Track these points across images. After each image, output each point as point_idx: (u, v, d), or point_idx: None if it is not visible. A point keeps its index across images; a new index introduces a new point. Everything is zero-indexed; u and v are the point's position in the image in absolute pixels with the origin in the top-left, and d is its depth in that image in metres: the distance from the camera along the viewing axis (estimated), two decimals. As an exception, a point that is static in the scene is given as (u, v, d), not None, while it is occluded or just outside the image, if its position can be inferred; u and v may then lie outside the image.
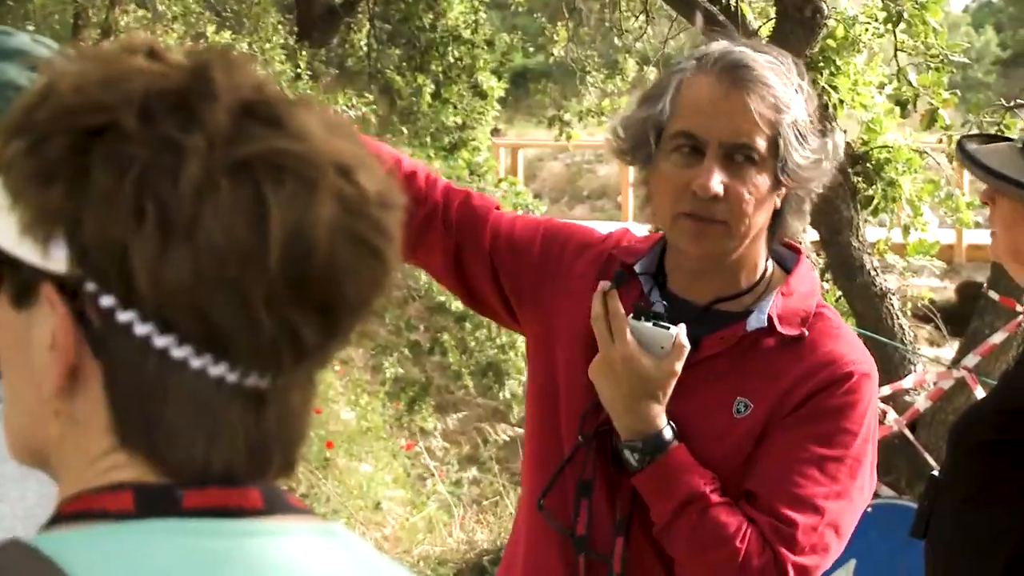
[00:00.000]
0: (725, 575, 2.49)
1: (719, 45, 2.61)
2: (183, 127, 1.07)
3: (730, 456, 2.55)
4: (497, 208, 2.86)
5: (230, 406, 1.11)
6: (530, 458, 2.76)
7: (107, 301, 1.08)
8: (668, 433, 2.50)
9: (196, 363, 1.09)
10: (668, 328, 2.51)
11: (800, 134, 2.55)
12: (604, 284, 2.53)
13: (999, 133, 7.30)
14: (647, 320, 2.53)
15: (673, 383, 2.50)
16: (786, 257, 2.71)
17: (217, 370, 1.09)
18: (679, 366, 2.50)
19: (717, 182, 2.49)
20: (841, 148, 2.69)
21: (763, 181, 2.54)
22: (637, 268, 2.68)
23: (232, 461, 1.13)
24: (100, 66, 1.11)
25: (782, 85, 2.55)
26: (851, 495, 2.57)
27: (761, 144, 2.52)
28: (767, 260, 2.66)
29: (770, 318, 2.58)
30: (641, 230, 3.42)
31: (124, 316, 1.08)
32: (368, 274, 1.12)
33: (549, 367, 2.71)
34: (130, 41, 1.15)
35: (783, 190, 2.59)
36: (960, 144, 3.31)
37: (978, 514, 3.32)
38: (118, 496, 1.10)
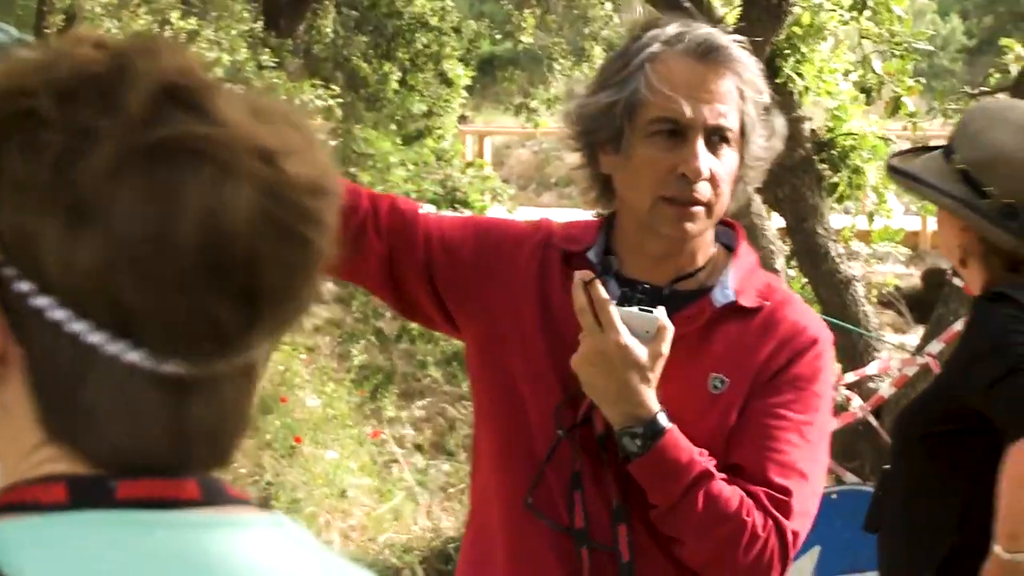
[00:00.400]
0: (732, 550, 2.50)
1: (685, 26, 2.62)
2: (99, 112, 1.06)
3: (714, 432, 2.57)
4: (424, 214, 2.82)
5: (149, 394, 1.10)
6: (496, 457, 2.73)
7: (23, 287, 1.07)
8: (663, 416, 2.50)
9: (111, 349, 1.07)
10: (652, 312, 2.52)
11: (760, 115, 2.60)
12: (584, 274, 2.51)
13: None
14: (630, 306, 2.53)
15: (661, 365, 2.51)
16: (721, 231, 2.73)
17: (133, 356, 1.08)
18: (666, 348, 2.50)
19: (706, 164, 2.52)
20: (785, 129, 2.71)
21: (735, 161, 2.58)
22: (590, 255, 2.67)
23: (152, 451, 1.11)
24: (39, 54, 1.11)
25: (753, 67, 2.60)
26: (822, 456, 2.64)
27: (736, 125, 2.56)
28: (712, 237, 2.70)
29: (734, 292, 2.61)
30: (563, 216, 3.40)
31: (39, 302, 1.07)
32: (292, 262, 1.10)
33: (502, 365, 2.69)
34: (80, 34, 1.14)
35: (741, 170, 2.62)
36: (889, 164, 3.55)
37: (920, 506, 3.36)
38: (50, 488, 1.09)
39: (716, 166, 2.54)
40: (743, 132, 2.58)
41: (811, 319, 2.69)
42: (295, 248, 1.10)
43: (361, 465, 10.06)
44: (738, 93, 2.56)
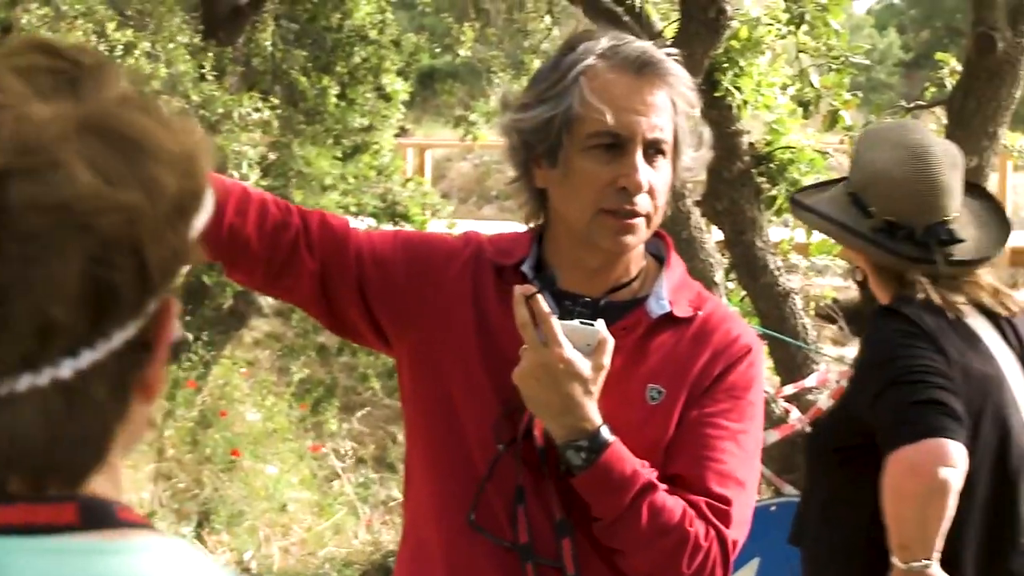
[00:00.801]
0: (676, 560, 2.51)
1: (618, 39, 2.63)
2: None
3: (653, 443, 2.58)
4: (355, 230, 2.80)
5: None
6: (431, 474, 2.72)
7: None
8: (606, 429, 2.51)
9: None
10: (592, 324, 2.52)
11: (691, 128, 2.63)
12: (525, 289, 2.51)
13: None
14: (571, 319, 2.53)
15: (603, 378, 2.51)
16: (650, 241, 2.74)
17: None
18: (607, 360, 2.51)
19: (645, 177, 2.54)
20: (711, 138, 2.73)
21: (669, 172, 2.61)
22: (524, 268, 2.68)
23: None
24: None
25: (686, 80, 2.62)
26: (756, 464, 2.68)
27: (670, 138, 2.59)
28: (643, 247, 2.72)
29: (670, 302, 2.63)
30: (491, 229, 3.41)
31: None
32: (24, 284, 1.10)
33: (437, 381, 2.68)
34: None
35: (673, 180, 2.64)
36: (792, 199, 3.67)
37: (835, 519, 3.42)
38: None
39: (654, 178, 2.56)
40: (675, 144, 2.60)
41: (743, 327, 2.72)
42: (26, 271, 1.09)
43: (301, 479, 10.04)
44: (672, 105, 2.59)
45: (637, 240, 2.59)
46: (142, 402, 1.20)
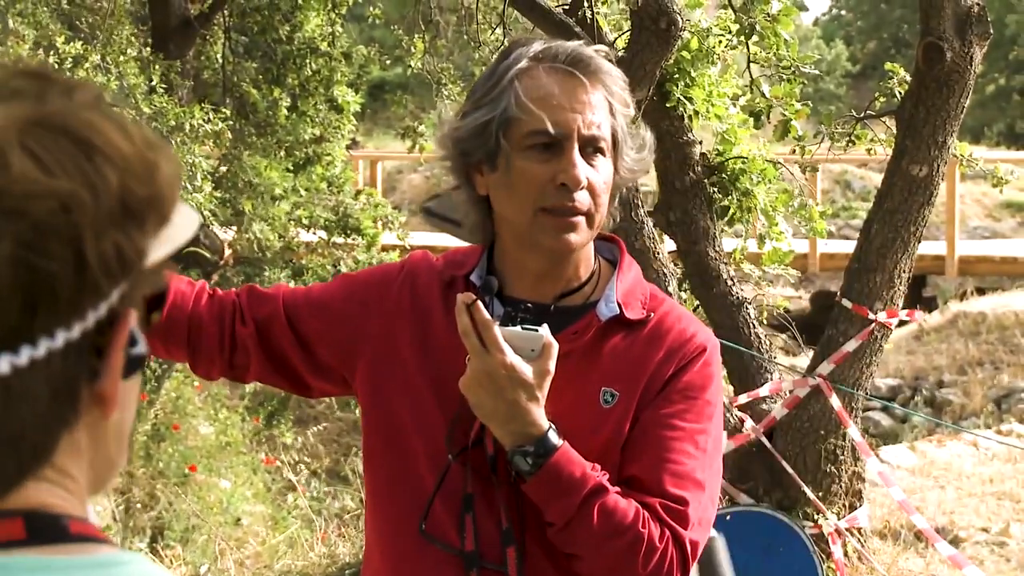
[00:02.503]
0: (631, 562, 2.51)
1: (550, 42, 2.67)
2: None
3: (607, 446, 2.59)
4: (286, 288, 2.91)
5: None
6: (381, 490, 2.74)
7: None
8: (553, 433, 2.52)
9: None
10: (536, 330, 2.53)
11: (630, 127, 2.65)
12: (466, 297, 2.53)
13: (850, 144, 7.44)
14: (514, 325, 2.54)
15: (549, 382, 2.52)
16: (603, 246, 2.77)
17: None
18: (552, 365, 2.52)
19: (583, 173, 2.55)
20: (653, 143, 2.74)
21: (610, 171, 2.63)
22: (473, 278, 2.70)
23: None
24: None
25: (619, 79, 2.64)
26: (717, 464, 2.66)
27: (608, 136, 2.61)
28: (595, 250, 2.73)
29: (619, 305, 2.63)
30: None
31: None
32: None
33: (386, 404, 2.71)
34: None
35: (615, 181, 2.66)
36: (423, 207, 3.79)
37: None
38: None
39: (593, 175, 2.58)
40: (615, 144, 2.62)
41: (697, 327, 2.72)
42: None
43: (256, 493, 10.01)
44: (607, 105, 2.61)
45: (579, 238, 2.60)
46: (99, 414, 1.18)
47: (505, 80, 2.61)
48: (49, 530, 1.11)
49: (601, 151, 2.60)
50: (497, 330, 2.50)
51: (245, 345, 2.79)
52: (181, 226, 1.22)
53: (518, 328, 2.53)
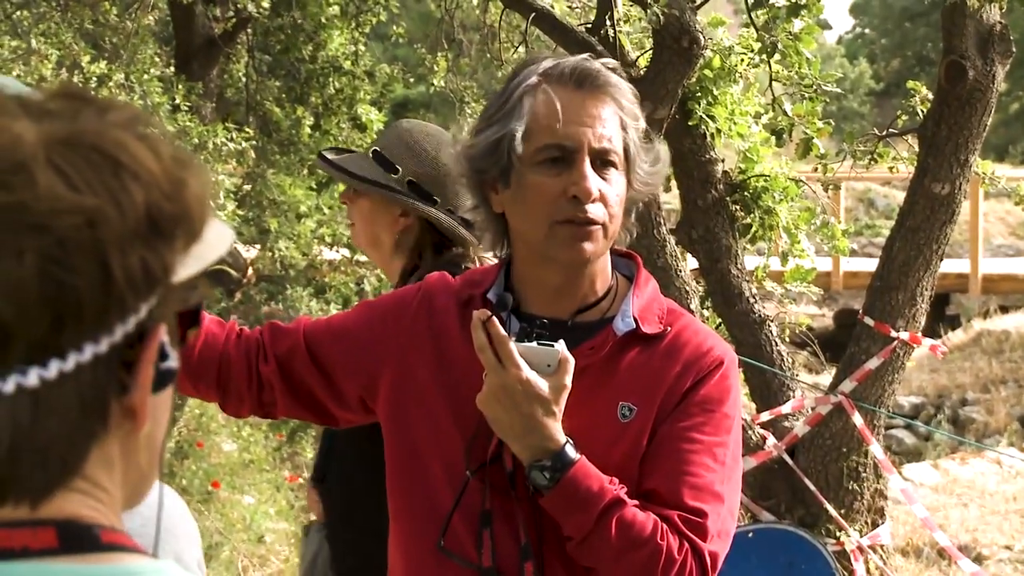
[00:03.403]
0: (649, 574, 2.51)
1: (559, 58, 2.70)
2: None
3: (626, 460, 2.59)
4: (307, 321, 2.93)
5: None
6: (400, 510, 2.76)
7: None
8: (570, 447, 2.53)
9: None
10: (552, 345, 2.54)
11: (643, 140, 2.67)
12: (482, 313, 2.54)
13: (872, 162, 7.43)
14: (530, 340, 2.55)
15: (565, 397, 2.53)
16: (620, 262, 2.78)
17: None
18: (568, 380, 2.53)
19: (595, 185, 2.57)
20: (668, 156, 2.76)
21: (623, 185, 2.64)
22: (490, 295, 2.71)
23: None
24: None
25: (628, 92, 2.66)
26: (736, 476, 2.67)
27: (620, 149, 2.62)
28: (611, 266, 2.74)
29: (636, 319, 2.64)
30: None
31: None
32: None
33: (406, 425, 2.73)
34: None
35: (629, 195, 2.67)
36: (320, 155, 3.89)
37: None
38: None
39: (605, 188, 2.60)
40: (627, 157, 2.64)
41: (715, 340, 2.73)
42: None
43: (279, 510, 10.01)
44: (618, 119, 2.63)
45: (594, 249, 2.61)
46: (130, 428, 1.19)
47: (515, 97, 2.63)
48: (81, 539, 1.12)
49: (613, 164, 2.62)
50: (513, 346, 2.52)
51: (270, 382, 2.82)
52: (213, 243, 1.23)
53: (534, 344, 2.55)
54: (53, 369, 1.11)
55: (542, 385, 2.51)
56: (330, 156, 3.82)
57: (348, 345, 2.80)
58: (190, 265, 1.20)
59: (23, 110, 1.15)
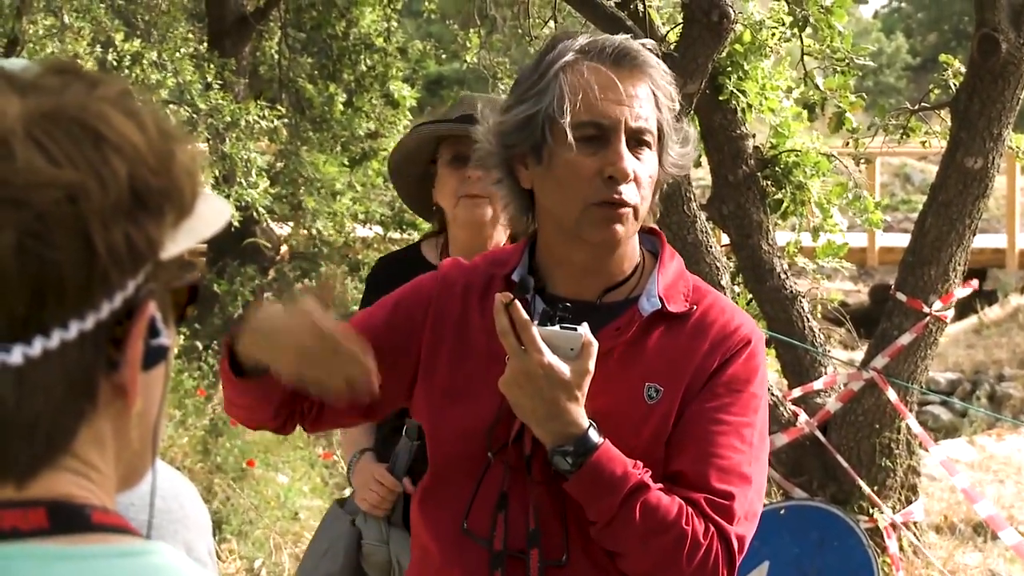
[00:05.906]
0: (675, 558, 2.50)
1: (596, 35, 2.67)
2: None
3: (653, 442, 2.58)
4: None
5: None
6: (425, 492, 2.75)
7: None
8: (594, 431, 2.51)
9: None
10: (575, 329, 2.52)
11: (675, 121, 2.65)
12: (503, 296, 2.51)
13: (904, 136, 7.39)
14: (552, 324, 2.53)
15: (588, 382, 2.51)
16: (646, 239, 2.76)
17: None
18: (591, 364, 2.51)
19: (630, 166, 2.55)
20: (696, 138, 2.74)
21: (655, 164, 2.62)
22: (515, 276, 2.69)
23: None
24: None
25: (665, 72, 2.65)
26: (763, 457, 2.65)
27: (655, 128, 2.61)
28: (639, 243, 2.71)
29: (661, 299, 2.62)
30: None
31: None
32: None
33: (432, 409, 2.71)
34: None
35: (660, 176, 2.65)
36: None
37: None
38: None
39: (639, 168, 2.58)
40: (660, 137, 2.62)
41: (742, 319, 2.70)
42: None
43: (313, 487, 10.02)
44: (653, 98, 2.61)
45: (626, 231, 2.59)
46: (122, 405, 1.18)
47: (551, 73, 2.60)
48: (72, 520, 1.11)
49: (647, 144, 2.59)
50: (535, 330, 2.49)
51: (307, 395, 2.72)
52: (207, 218, 1.21)
53: (556, 328, 2.52)
54: (37, 346, 1.10)
55: (564, 370, 2.49)
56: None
57: (383, 339, 2.70)
58: (181, 240, 1.18)
59: (10, 85, 1.14)
